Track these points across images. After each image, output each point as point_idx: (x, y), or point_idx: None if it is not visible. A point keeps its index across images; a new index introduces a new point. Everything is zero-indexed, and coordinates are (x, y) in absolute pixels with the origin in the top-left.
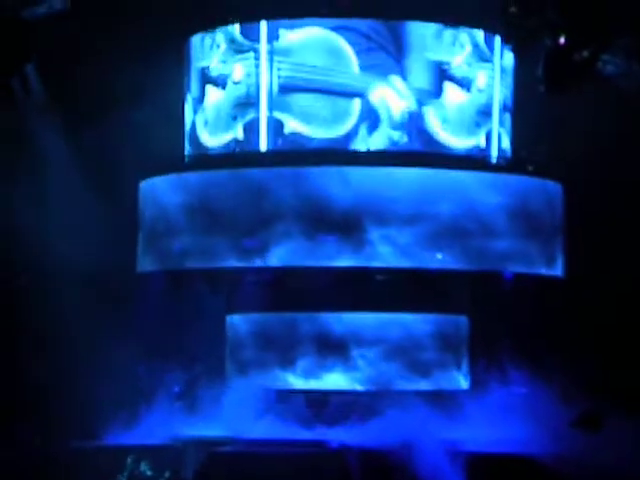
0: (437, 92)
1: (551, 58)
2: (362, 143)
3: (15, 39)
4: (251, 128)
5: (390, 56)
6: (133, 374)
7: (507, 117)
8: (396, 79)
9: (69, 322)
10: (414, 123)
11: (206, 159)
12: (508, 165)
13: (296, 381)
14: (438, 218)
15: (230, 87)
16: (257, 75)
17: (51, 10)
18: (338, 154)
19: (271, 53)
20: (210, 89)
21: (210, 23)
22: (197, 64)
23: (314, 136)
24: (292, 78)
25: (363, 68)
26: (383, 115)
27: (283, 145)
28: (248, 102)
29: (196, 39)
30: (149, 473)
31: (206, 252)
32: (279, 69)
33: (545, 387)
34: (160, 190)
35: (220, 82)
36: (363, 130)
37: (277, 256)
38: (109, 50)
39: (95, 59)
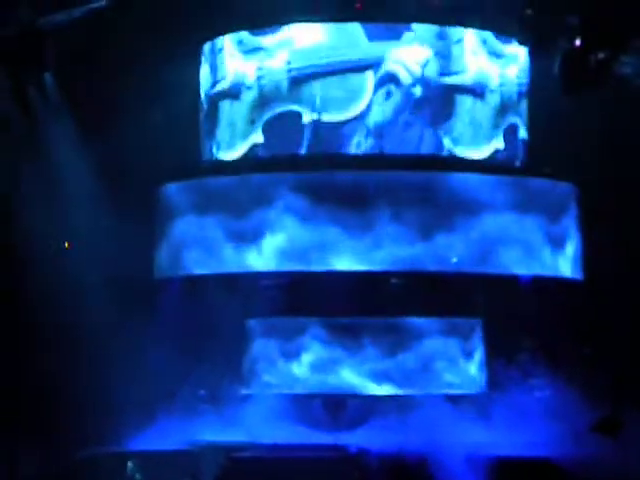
0: (449, 112)
1: (567, 60)
2: (379, 115)
3: (33, 48)
4: (270, 128)
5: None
6: (152, 379)
7: (523, 104)
8: (409, 35)
9: (88, 328)
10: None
11: (223, 165)
12: (522, 168)
13: (305, 373)
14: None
15: (244, 93)
16: (270, 72)
17: (69, 18)
18: (351, 159)
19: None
20: (223, 105)
21: (222, 27)
22: (208, 89)
23: (332, 120)
24: (302, 67)
25: (372, 38)
26: (403, 76)
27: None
28: (263, 102)
29: (205, 61)
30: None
31: (201, 237)
32: (289, 62)
33: (565, 389)
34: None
35: (234, 92)
36: (379, 99)
37: (274, 243)
38: (123, 57)
39: (109, 66)
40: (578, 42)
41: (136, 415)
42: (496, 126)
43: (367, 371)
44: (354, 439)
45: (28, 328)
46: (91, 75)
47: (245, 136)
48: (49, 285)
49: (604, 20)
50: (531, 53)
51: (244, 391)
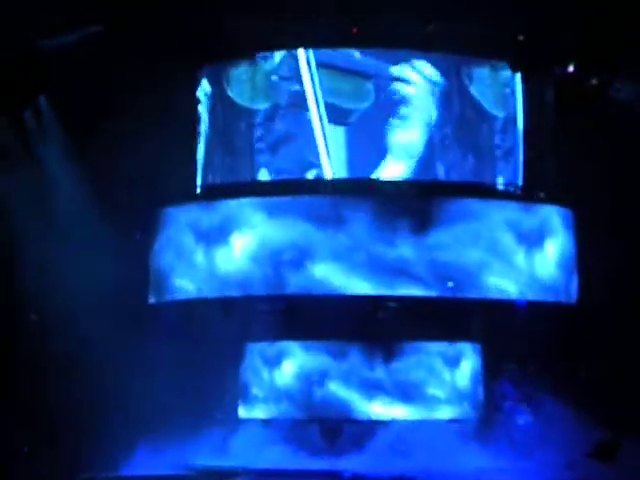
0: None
1: (561, 86)
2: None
3: (29, 71)
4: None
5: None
6: (148, 404)
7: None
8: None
9: (85, 352)
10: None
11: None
12: (518, 194)
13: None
14: None
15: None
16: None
17: (66, 42)
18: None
19: None
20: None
21: (223, 54)
22: None
23: (345, 107)
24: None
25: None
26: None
27: None
28: (285, 77)
29: None
30: None
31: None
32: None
33: (562, 414)
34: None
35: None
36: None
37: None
38: (122, 80)
39: (108, 90)
40: (572, 68)
41: (130, 439)
42: (508, 94)
43: (356, 383)
44: (349, 464)
45: (23, 352)
46: (87, 98)
47: (267, 93)
48: (44, 309)
49: (598, 45)
50: (524, 79)
51: (240, 414)
